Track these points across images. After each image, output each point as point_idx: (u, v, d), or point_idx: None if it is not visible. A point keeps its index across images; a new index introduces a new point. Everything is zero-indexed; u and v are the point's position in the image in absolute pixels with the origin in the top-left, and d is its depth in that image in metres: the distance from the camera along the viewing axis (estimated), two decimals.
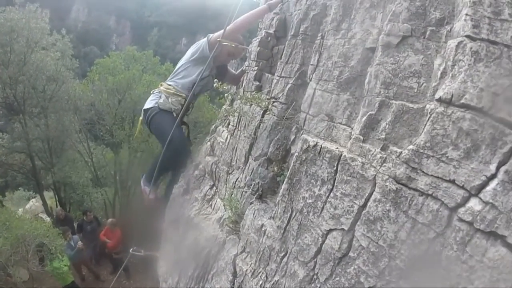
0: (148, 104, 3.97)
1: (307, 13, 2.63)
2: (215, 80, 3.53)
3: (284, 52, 2.78)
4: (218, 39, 3.56)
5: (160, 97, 3.90)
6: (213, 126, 4.45)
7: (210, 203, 3.46)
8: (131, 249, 4.35)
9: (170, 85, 3.92)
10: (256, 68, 3.13)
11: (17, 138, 14.67)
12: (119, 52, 17.49)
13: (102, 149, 16.17)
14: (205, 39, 3.87)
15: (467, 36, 1.36)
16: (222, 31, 3.60)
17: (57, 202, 15.79)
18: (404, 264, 1.39)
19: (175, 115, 3.75)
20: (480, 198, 1.23)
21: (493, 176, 1.21)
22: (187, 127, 4.25)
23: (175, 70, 4.09)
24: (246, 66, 3.62)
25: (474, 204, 1.24)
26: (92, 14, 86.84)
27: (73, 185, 15.40)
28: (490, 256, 1.18)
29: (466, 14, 1.38)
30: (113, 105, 14.21)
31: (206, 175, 3.80)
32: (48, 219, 13.77)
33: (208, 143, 4.04)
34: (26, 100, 14.24)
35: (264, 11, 3.55)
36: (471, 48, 1.33)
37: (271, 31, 3.23)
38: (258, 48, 3.14)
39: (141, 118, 4.15)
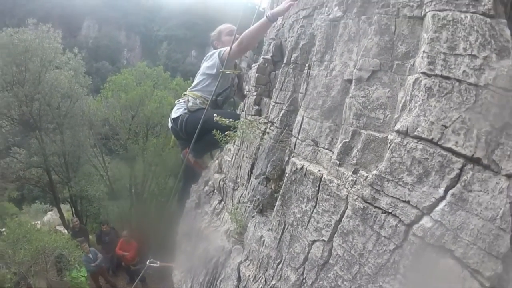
0: (176, 113, 4.15)
1: (297, 42, 2.81)
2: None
3: (278, 80, 2.98)
4: (221, 70, 3.72)
5: (188, 100, 4.08)
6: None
7: (219, 216, 3.69)
8: (148, 260, 4.51)
9: (194, 92, 4.13)
10: (255, 93, 3.35)
11: (34, 154, 15.16)
12: (130, 68, 17.89)
13: (117, 163, 16.56)
14: (217, 55, 3.98)
15: (423, 73, 1.53)
16: (229, 48, 3.67)
17: (74, 215, 16.14)
18: (371, 270, 1.60)
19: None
20: (431, 217, 1.41)
21: (442, 198, 1.39)
22: None
23: (194, 83, 4.26)
24: (247, 91, 3.84)
25: (425, 221, 1.42)
26: (102, 30, 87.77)
27: (89, 198, 15.83)
28: (440, 267, 1.37)
29: (424, 51, 1.55)
30: (127, 120, 14.63)
31: (215, 191, 4.02)
32: (66, 231, 14.20)
33: (216, 161, 4.26)
34: (42, 117, 14.81)
35: (266, 24, 3.50)
36: (425, 84, 1.50)
37: (268, 56, 3.41)
38: (256, 74, 3.36)
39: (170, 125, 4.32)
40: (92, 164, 16.29)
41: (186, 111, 4.07)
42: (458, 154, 1.38)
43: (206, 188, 4.18)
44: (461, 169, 1.36)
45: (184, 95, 4.28)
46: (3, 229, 11.43)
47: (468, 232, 1.31)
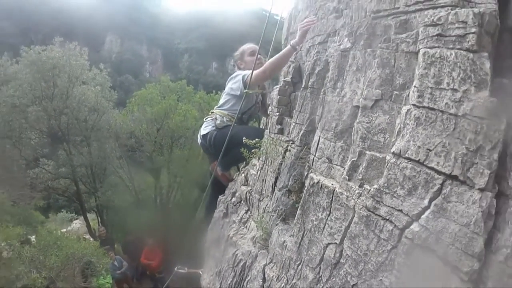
0: (205, 130, 4.46)
1: (313, 68, 3.02)
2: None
3: (297, 102, 3.21)
4: (244, 91, 4.02)
5: (216, 118, 4.39)
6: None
7: (246, 224, 3.88)
8: (176, 267, 4.76)
9: (221, 111, 4.44)
10: (278, 113, 3.56)
11: (62, 165, 15.70)
12: (155, 83, 18.20)
13: (143, 174, 16.68)
14: (241, 78, 4.22)
15: (413, 105, 1.76)
16: (251, 72, 3.94)
17: (100, 224, 16.40)
18: (373, 267, 1.87)
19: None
20: (418, 223, 1.64)
21: (427, 208, 1.63)
22: None
23: (221, 103, 4.55)
24: (270, 111, 4.01)
25: (414, 226, 1.66)
26: (124, 44, 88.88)
27: (115, 208, 16.11)
28: (426, 264, 1.59)
29: (414, 86, 1.77)
30: (152, 133, 14.89)
31: (242, 202, 4.23)
32: (92, 239, 14.55)
33: (243, 174, 4.46)
34: (69, 130, 15.40)
35: (290, 52, 3.62)
36: (414, 114, 1.74)
37: (288, 78, 3.60)
38: (278, 96, 3.58)
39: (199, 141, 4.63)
40: (118, 175, 16.55)
41: (214, 128, 4.39)
42: (439, 172, 1.61)
43: (234, 199, 4.39)
44: (442, 184, 1.60)
45: (212, 113, 4.59)
46: (33, 236, 11.98)
47: (447, 235, 1.53)
